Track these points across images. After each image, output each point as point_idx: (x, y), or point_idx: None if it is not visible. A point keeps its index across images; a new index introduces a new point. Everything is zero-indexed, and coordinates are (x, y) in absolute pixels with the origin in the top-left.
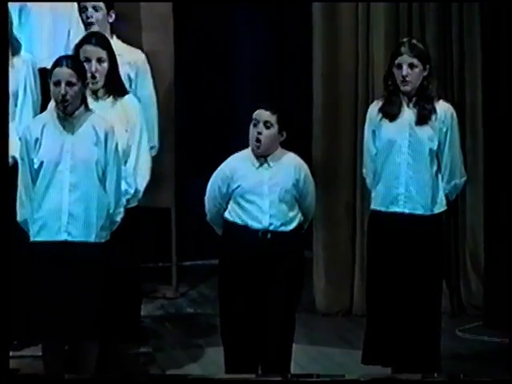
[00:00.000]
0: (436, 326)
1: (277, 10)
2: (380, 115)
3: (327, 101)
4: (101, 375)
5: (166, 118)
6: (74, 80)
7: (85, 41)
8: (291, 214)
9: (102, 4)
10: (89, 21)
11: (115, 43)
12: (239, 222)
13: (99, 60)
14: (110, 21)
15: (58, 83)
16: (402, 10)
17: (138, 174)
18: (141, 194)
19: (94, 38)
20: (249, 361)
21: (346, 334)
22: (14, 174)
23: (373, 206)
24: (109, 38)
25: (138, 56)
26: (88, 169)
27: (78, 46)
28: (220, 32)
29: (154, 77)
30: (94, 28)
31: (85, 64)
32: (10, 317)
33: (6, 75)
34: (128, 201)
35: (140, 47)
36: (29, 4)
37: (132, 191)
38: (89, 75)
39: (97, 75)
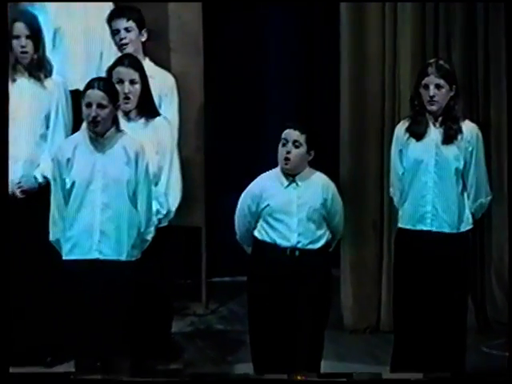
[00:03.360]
0: (462, 342)
1: (305, 31)
2: (407, 135)
3: (354, 120)
4: None
5: (195, 139)
6: (105, 102)
7: (118, 62)
8: (319, 233)
9: (133, 24)
10: (122, 42)
11: (147, 65)
12: (268, 240)
13: (132, 82)
14: (143, 40)
15: (89, 105)
16: (429, 31)
17: (169, 195)
18: (172, 214)
19: (126, 59)
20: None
21: (374, 351)
22: (47, 194)
23: (400, 225)
24: (141, 59)
25: (168, 79)
26: (119, 188)
27: (111, 68)
28: (249, 53)
29: (183, 97)
30: (128, 49)
31: (118, 85)
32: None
33: (5, 75)
34: (160, 220)
35: (170, 68)
36: (62, 27)
37: (164, 211)
38: (121, 97)
39: (130, 96)
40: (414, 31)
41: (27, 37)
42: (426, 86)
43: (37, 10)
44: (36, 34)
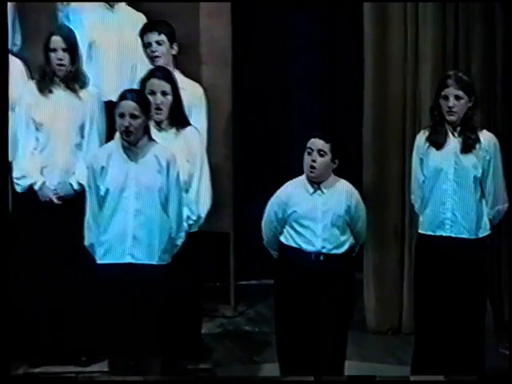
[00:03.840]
0: (480, 344)
1: (329, 43)
2: (427, 144)
3: (377, 130)
4: None
5: (224, 147)
6: (137, 113)
7: (150, 75)
8: (343, 238)
9: (165, 38)
10: (153, 55)
11: (177, 77)
12: (294, 245)
13: (163, 93)
14: (173, 53)
15: (122, 115)
16: (449, 43)
17: (199, 202)
18: (202, 220)
19: (159, 72)
20: (303, 376)
21: (396, 351)
22: (82, 201)
23: (420, 230)
24: (172, 71)
25: (197, 90)
26: (151, 195)
27: (144, 80)
28: (274, 65)
29: (212, 108)
30: (159, 61)
31: (150, 97)
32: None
33: (5, 75)
34: (190, 226)
35: (200, 80)
36: (97, 40)
37: (194, 217)
38: (153, 107)
39: (161, 107)
40: (435, 42)
41: (64, 50)
42: (446, 97)
43: (73, 24)
44: (72, 48)
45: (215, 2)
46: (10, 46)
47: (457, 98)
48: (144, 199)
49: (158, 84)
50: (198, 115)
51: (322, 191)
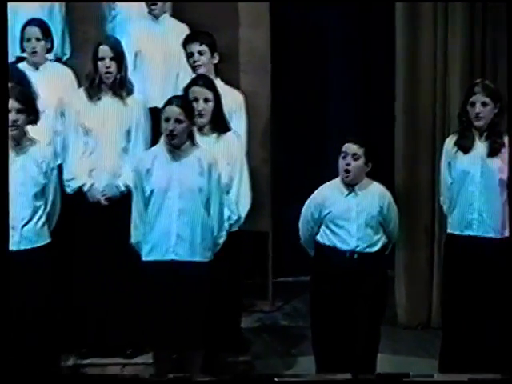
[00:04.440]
0: (507, 341)
1: (363, 52)
2: (455, 148)
3: (408, 135)
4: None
5: (262, 151)
6: (181, 118)
7: (193, 82)
8: (376, 237)
9: (206, 48)
10: (195, 64)
11: (218, 84)
12: (329, 244)
13: (206, 100)
14: (215, 62)
15: (167, 120)
16: (477, 53)
17: (239, 202)
18: (242, 220)
19: (201, 80)
20: (338, 369)
21: (425, 345)
22: (128, 202)
23: (449, 230)
24: (213, 79)
25: (237, 97)
26: (194, 196)
27: (187, 87)
28: (311, 73)
29: (252, 114)
30: (201, 70)
31: (193, 103)
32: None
33: (5, 75)
34: (231, 226)
35: (240, 87)
36: (143, 50)
37: (235, 217)
38: (196, 113)
39: (203, 113)
40: (464, 51)
41: (111, 59)
42: (473, 104)
43: (119, 34)
44: (119, 56)
45: None
46: (60, 55)
47: (483, 104)
48: (187, 200)
49: (200, 91)
50: (238, 121)
51: (356, 193)
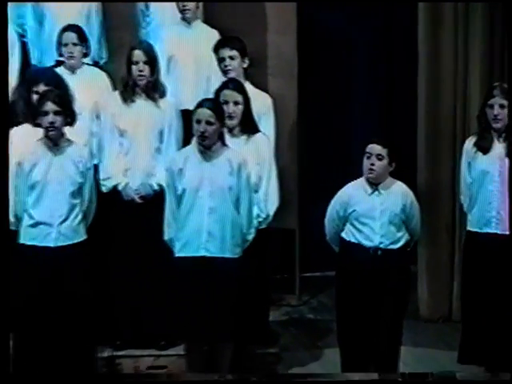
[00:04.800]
0: None
1: (387, 57)
2: (474, 149)
3: (429, 136)
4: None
5: (290, 152)
6: (212, 120)
7: (224, 86)
8: (399, 234)
9: (236, 53)
10: (226, 68)
11: (248, 87)
12: (354, 240)
13: (236, 103)
14: (244, 66)
15: (199, 121)
16: (496, 57)
17: (268, 201)
18: (271, 218)
19: (231, 83)
20: (362, 360)
21: (446, 337)
22: (161, 200)
23: (469, 228)
24: (243, 83)
25: (266, 100)
26: (224, 195)
27: (218, 90)
28: (336, 76)
29: (279, 116)
30: (231, 74)
31: (223, 106)
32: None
33: (5, 75)
34: (259, 223)
35: (268, 91)
36: (175, 55)
37: (263, 215)
38: (226, 115)
39: (233, 116)
40: (483, 55)
41: (144, 62)
42: (491, 106)
43: (153, 39)
44: (152, 60)
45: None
46: (97, 59)
47: (501, 106)
48: (217, 198)
49: (230, 94)
50: (266, 123)
51: (380, 192)
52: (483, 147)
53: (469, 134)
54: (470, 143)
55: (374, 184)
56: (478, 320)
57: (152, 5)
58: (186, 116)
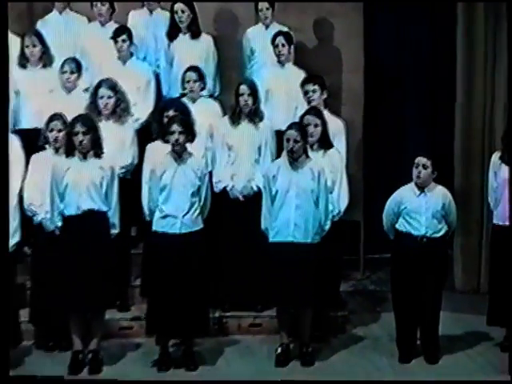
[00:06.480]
0: None
1: (430, 92)
2: (499, 161)
3: (465, 148)
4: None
5: (357, 163)
6: (298, 138)
7: (307, 112)
8: (440, 226)
9: (317, 87)
10: (310, 99)
11: (325, 113)
12: (405, 230)
13: (315, 125)
14: (324, 97)
15: (288, 140)
16: None
17: (340, 200)
18: (342, 213)
19: (313, 110)
20: (411, 323)
21: (476, 305)
22: (259, 199)
23: (494, 221)
24: (322, 110)
25: (339, 123)
26: (307, 195)
27: (303, 116)
28: (393, 106)
29: (349, 136)
30: (313, 103)
31: (307, 128)
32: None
33: (6, 75)
34: (333, 217)
35: (341, 116)
36: (271, 88)
37: (336, 211)
38: (309, 135)
39: (314, 135)
40: (507, 75)
41: (248, 95)
42: None
43: (255, 76)
44: (254, 93)
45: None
46: (212, 92)
47: None
48: (302, 198)
49: (312, 119)
50: (339, 141)
51: (425, 193)
52: (506, 161)
53: (495, 148)
54: (496, 157)
55: (421, 187)
56: (502, 291)
57: (257, 51)
58: (279, 135)
